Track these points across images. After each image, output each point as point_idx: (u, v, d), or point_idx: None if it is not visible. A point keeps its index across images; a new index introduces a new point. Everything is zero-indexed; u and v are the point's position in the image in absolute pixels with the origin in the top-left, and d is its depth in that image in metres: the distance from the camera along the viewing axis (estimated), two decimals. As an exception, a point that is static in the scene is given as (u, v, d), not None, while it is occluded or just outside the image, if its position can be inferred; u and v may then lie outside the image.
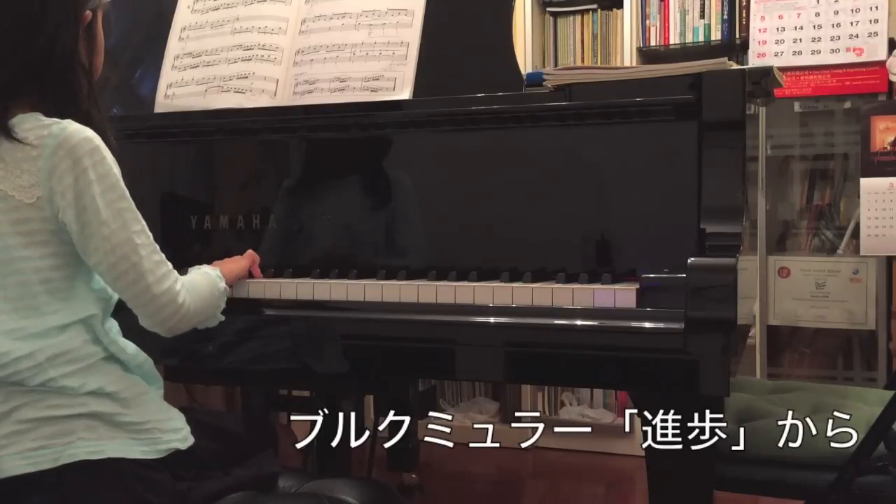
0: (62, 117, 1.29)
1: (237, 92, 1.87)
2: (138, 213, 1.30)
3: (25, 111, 1.29)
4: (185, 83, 1.93)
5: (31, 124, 1.27)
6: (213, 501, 1.38)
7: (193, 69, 1.93)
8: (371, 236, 1.74)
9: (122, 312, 1.37)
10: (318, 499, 1.46)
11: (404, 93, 1.74)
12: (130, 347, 1.36)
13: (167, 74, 1.95)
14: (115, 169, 1.29)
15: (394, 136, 1.77)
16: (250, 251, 1.70)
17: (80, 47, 1.34)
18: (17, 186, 1.26)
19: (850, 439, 1.51)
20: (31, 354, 1.25)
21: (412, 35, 1.78)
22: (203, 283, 1.43)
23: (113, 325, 1.36)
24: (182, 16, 2.00)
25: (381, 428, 2.56)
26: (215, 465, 1.40)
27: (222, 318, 1.51)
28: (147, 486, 1.26)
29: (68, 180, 1.24)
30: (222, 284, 1.49)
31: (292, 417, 2.68)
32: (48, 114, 1.30)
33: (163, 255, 1.32)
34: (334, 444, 1.57)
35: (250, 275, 1.67)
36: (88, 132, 1.27)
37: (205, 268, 1.50)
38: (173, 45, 1.98)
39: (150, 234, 1.31)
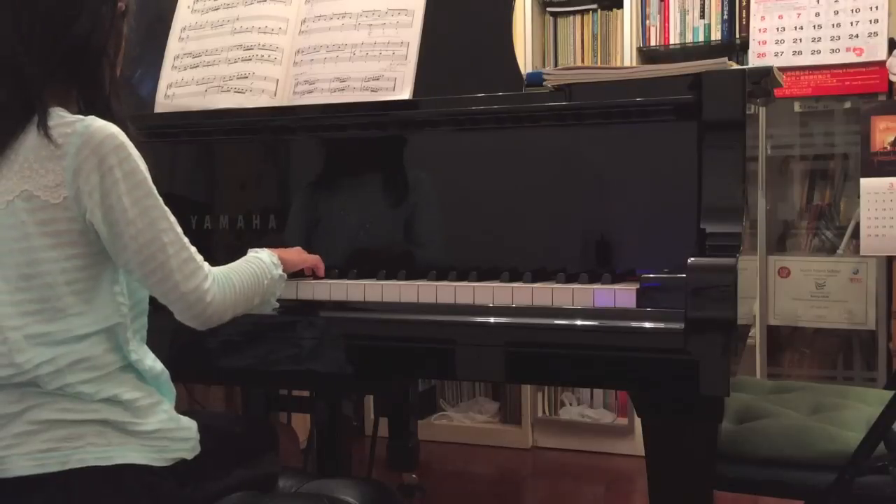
0: (86, 111, 1.28)
1: (237, 92, 1.87)
2: (166, 209, 1.29)
3: (53, 104, 1.27)
4: (185, 83, 1.93)
5: (55, 122, 1.25)
6: (213, 502, 1.38)
7: (193, 69, 1.93)
8: (371, 236, 1.74)
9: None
10: (318, 499, 1.46)
11: (404, 93, 1.74)
12: (149, 358, 1.34)
13: (167, 74, 1.95)
14: (142, 165, 1.27)
15: (394, 137, 1.77)
16: (317, 257, 1.68)
17: (109, 41, 1.33)
18: (42, 186, 1.24)
19: (850, 439, 1.51)
20: (53, 360, 1.24)
21: (412, 35, 1.78)
22: (245, 273, 1.41)
23: (139, 332, 1.35)
24: (182, 16, 2.00)
25: (380, 428, 2.57)
26: (215, 465, 1.40)
27: (276, 304, 1.51)
28: (152, 493, 1.26)
29: (94, 179, 1.23)
30: (277, 271, 1.49)
31: (292, 417, 2.69)
32: (72, 107, 1.29)
33: (192, 251, 1.30)
34: (334, 444, 1.58)
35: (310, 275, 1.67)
36: (113, 128, 1.25)
37: (263, 253, 1.50)
38: (173, 45, 1.98)
39: (178, 230, 1.30)
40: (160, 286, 1.29)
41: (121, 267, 1.29)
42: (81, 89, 1.32)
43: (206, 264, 1.33)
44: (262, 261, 1.47)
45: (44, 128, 1.24)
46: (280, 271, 1.50)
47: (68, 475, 1.22)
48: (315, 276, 1.67)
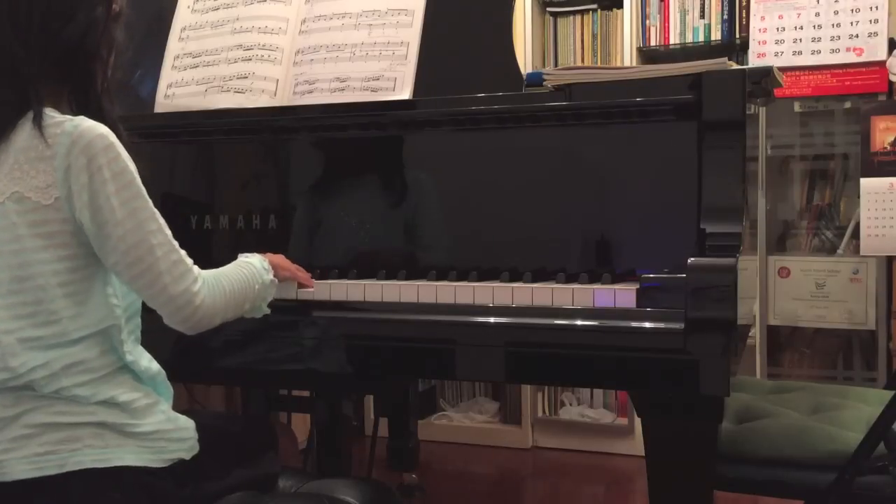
0: (78, 111, 1.28)
1: (237, 92, 1.87)
2: (155, 211, 1.28)
3: (46, 104, 1.27)
4: (185, 83, 1.93)
5: (46, 122, 1.24)
6: (213, 502, 1.38)
7: (193, 69, 1.93)
8: (371, 236, 1.74)
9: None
10: (318, 499, 1.46)
11: (404, 93, 1.74)
12: (145, 359, 1.34)
13: (167, 74, 1.95)
14: (131, 166, 1.26)
15: (394, 137, 1.77)
16: (307, 275, 1.65)
17: (103, 42, 1.33)
18: (33, 188, 1.23)
19: (850, 439, 1.51)
20: (47, 364, 1.23)
21: (412, 35, 1.78)
22: (236, 277, 1.40)
23: (133, 332, 1.34)
24: (182, 16, 2.00)
25: (380, 428, 2.57)
26: (215, 466, 1.40)
27: (268, 310, 1.50)
28: (150, 494, 1.26)
29: (83, 179, 1.22)
30: (268, 276, 1.48)
31: (292, 417, 2.68)
32: (63, 107, 1.29)
33: (181, 254, 1.30)
34: (334, 444, 1.57)
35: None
36: (102, 129, 1.24)
37: (254, 258, 1.49)
38: (173, 45, 1.98)
39: (167, 232, 1.29)
40: (148, 289, 1.27)
41: (109, 269, 1.28)
42: (74, 89, 1.31)
43: (195, 267, 1.32)
44: (253, 265, 1.46)
45: (38, 125, 1.23)
46: (271, 276, 1.49)
47: (66, 478, 1.22)
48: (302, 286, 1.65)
